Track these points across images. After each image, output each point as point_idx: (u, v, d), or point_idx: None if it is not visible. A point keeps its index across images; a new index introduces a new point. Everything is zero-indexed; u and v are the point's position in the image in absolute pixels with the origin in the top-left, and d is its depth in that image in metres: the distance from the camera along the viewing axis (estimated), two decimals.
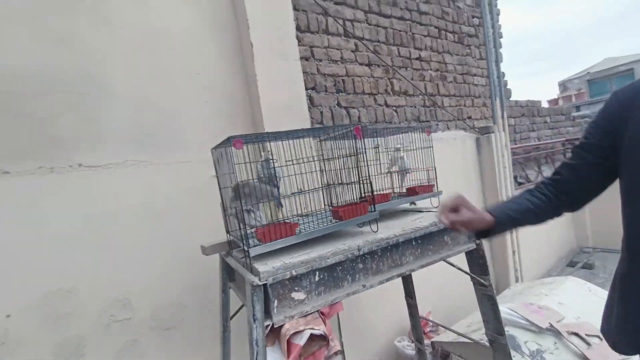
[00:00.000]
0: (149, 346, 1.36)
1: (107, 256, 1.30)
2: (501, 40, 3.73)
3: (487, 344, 1.38)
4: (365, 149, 1.00)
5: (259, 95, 1.59)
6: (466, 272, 1.26)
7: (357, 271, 0.95)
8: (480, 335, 1.65)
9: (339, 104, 2.34)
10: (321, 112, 2.22)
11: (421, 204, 1.44)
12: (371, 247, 0.96)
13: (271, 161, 0.93)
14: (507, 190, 2.87)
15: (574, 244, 4.48)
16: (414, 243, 1.08)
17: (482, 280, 1.26)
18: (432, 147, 1.37)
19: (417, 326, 1.74)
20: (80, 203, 1.27)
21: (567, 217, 4.39)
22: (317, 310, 0.97)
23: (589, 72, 12.99)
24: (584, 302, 1.91)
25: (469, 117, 3.34)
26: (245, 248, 0.81)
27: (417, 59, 2.88)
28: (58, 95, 1.27)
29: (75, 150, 1.29)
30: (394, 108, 2.65)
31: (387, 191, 1.35)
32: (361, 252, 0.94)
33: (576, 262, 3.98)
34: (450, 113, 3.05)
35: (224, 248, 1.10)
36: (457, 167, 2.90)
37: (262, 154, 0.98)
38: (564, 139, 4.66)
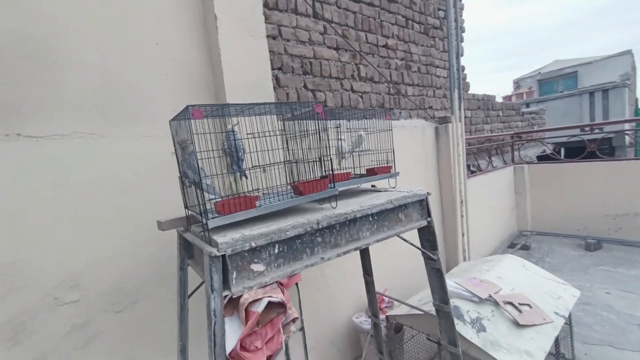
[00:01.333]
0: (102, 327, 1.31)
1: (53, 233, 1.22)
2: (463, 34, 3.92)
3: (434, 313, 1.52)
4: (327, 128, 1.03)
5: (223, 72, 1.55)
6: (417, 247, 1.36)
7: (316, 244, 0.99)
8: (429, 307, 1.80)
9: (305, 86, 2.33)
10: (287, 94, 2.21)
11: (380, 185, 1.51)
12: (330, 221, 1.00)
13: (235, 133, 0.93)
14: (460, 176, 3.08)
15: (515, 228, 4.95)
16: (370, 219, 1.14)
17: (431, 255, 1.37)
18: (392, 130, 1.44)
19: (374, 302, 1.85)
20: (15, 177, 1.17)
21: (511, 204, 4.83)
22: (276, 281, 1.00)
23: (540, 72, 14.10)
24: (519, 276, 2.15)
25: (430, 107, 3.51)
26: (204, 220, 0.81)
27: (384, 46, 2.94)
28: (9, 59, 1.14)
29: (16, 118, 1.17)
30: (360, 94, 2.70)
31: (348, 171, 1.40)
32: (320, 226, 0.98)
33: (516, 244, 4.41)
34: (413, 102, 3.17)
35: (182, 224, 1.08)
36: (417, 154, 3.05)
37: (228, 125, 0.97)
38: (512, 132, 5.06)
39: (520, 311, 1.78)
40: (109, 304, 1.34)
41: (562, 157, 4.80)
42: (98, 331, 1.31)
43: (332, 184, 1.05)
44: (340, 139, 1.34)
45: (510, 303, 1.82)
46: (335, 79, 2.52)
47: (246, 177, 1.01)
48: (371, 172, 1.40)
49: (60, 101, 1.26)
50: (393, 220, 1.22)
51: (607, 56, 12.48)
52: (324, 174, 1.15)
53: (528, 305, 1.84)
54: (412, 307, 1.84)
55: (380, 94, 2.87)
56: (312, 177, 1.13)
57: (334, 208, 1.07)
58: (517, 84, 13.77)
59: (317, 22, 2.39)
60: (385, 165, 1.43)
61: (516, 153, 5.02)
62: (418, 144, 3.08)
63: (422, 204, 1.33)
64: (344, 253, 1.04)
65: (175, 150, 0.97)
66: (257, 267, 0.86)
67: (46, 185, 1.22)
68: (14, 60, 1.17)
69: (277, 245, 0.90)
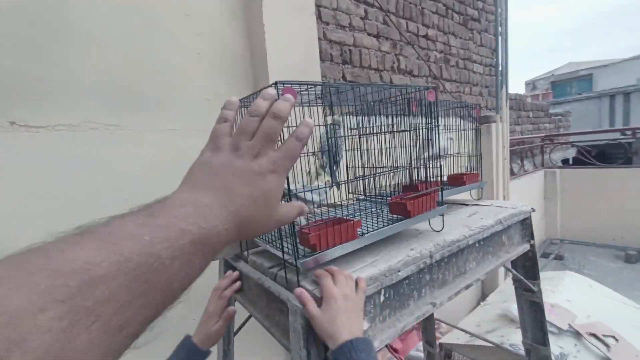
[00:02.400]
0: None
1: None
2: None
3: (517, 351, 1.24)
4: (436, 122, 0.75)
5: (266, 53, 1.26)
6: (516, 275, 1.08)
7: (423, 284, 0.71)
8: (498, 338, 1.52)
9: (344, 77, 2.05)
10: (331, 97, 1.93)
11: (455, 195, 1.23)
12: (443, 252, 0.72)
13: (338, 128, 0.65)
14: (503, 182, 2.80)
15: (543, 236, 4.67)
16: (477, 245, 0.86)
17: (530, 285, 1.09)
18: (480, 128, 1.16)
19: (430, 327, 1.57)
20: (6, 180, 0.89)
21: (540, 210, 4.54)
22: (386, 345, 0.72)
23: (553, 74, 13.74)
24: (589, 299, 1.87)
25: (466, 106, 3.22)
26: (293, 262, 0.53)
27: (424, 36, 2.65)
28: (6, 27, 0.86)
29: (10, 101, 0.89)
30: None
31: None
32: (433, 261, 0.70)
33: (548, 254, 4.13)
34: (454, 99, 2.88)
35: (234, 249, 0.80)
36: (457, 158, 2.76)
37: (332, 116, 0.70)
38: (543, 134, 4.77)
39: (607, 345, 1.50)
40: None
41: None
42: None
43: (441, 199, 0.76)
44: (450, 138, 1.06)
45: (594, 335, 1.54)
46: (374, 71, 2.24)
47: (338, 189, 0.73)
48: (455, 180, 1.12)
49: (69, 83, 0.98)
50: (497, 246, 0.94)
51: (624, 59, 12.14)
52: (412, 182, 0.87)
53: (613, 337, 1.56)
54: (477, 336, 1.56)
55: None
56: (389, 184, 0.85)
57: (438, 231, 0.79)
58: (533, 84, 13.45)
59: (359, 5, 2.10)
60: (471, 172, 1.15)
61: (545, 156, 4.73)
62: (455, 145, 2.79)
63: (525, 223, 1.05)
64: (455, 294, 0.76)
65: None
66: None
67: (44, 189, 0.94)
68: (14, 28, 0.89)
69: (382, 292, 0.62)
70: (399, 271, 0.62)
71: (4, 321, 0.15)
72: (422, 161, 0.83)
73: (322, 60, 1.90)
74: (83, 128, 1.01)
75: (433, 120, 0.72)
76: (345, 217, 0.63)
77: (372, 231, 0.64)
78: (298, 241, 0.59)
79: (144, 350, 0.81)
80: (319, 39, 1.88)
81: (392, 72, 2.38)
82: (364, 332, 0.58)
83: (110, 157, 1.04)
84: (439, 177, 0.78)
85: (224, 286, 0.74)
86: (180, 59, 1.18)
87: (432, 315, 1.55)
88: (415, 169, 0.86)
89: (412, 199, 0.69)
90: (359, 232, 0.62)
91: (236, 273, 0.76)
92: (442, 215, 0.78)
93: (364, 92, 0.72)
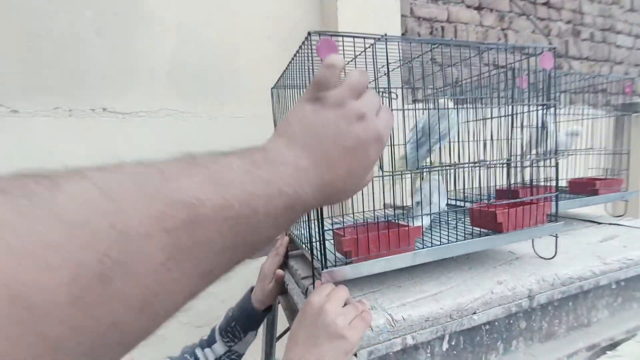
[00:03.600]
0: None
1: None
2: None
3: None
4: (554, 102, 0.51)
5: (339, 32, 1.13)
6: None
7: (514, 334, 0.49)
8: None
9: (432, 59, 1.77)
10: (409, 69, 1.70)
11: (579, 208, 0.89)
12: (552, 293, 0.48)
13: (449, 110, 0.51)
14: None
15: None
16: (613, 287, 0.58)
17: None
18: (627, 115, 0.80)
19: None
20: (100, 160, 0.99)
21: None
22: None
23: None
24: None
25: (604, 90, 2.48)
26: (316, 261, 0.40)
27: (544, 4, 2.11)
28: (85, 14, 0.97)
29: (100, 89, 0.99)
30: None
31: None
32: (535, 304, 0.47)
33: None
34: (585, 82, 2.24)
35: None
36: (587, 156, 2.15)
37: (440, 99, 0.56)
38: None
39: None
40: (189, 316, 1.11)
41: None
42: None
43: (556, 212, 0.52)
44: (572, 132, 0.79)
45: None
46: None
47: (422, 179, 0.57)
48: (581, 188, 0.80)
49: (148, 72, 1.04)
50: None
51: None
52: (509, 185, 0.63)
53: None
54: None
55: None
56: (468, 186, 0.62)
57: (546, 259, 0.55)
58: None
59: None
60: (610, 177, 0.81)
61: None
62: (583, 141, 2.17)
63: None
64: (567, 357, 0.51)
65: None
66: None
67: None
68: (103, 20, 0.98)
69: (447, 338, 0.44)
70: (474, 314, 0.43)
71: (114, 237, 0.14)
72: (529, 157, 0.59)
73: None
74: (161, 114, 1.07)
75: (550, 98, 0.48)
76: (398, 222, 0.46)
77: (440, 244, 0.45)
78: (334, 247, 0.45)
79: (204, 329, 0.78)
80: (405, 16, 1.66)
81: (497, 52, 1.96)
82: None
83: (184, 140, 1.09)
84: (555, 181, 0.53)
85: (278, 245, 0.71)
86: (251, 43, 1.15)
87: None
88: (516, 167, 0.62)
89: (506, 207, 0.48)
90: (418, 244, 0.44)
91: (287, 238, 0.71)
92: (556, 237, 0.53)
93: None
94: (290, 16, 1.20)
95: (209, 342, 0.62)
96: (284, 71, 0.57)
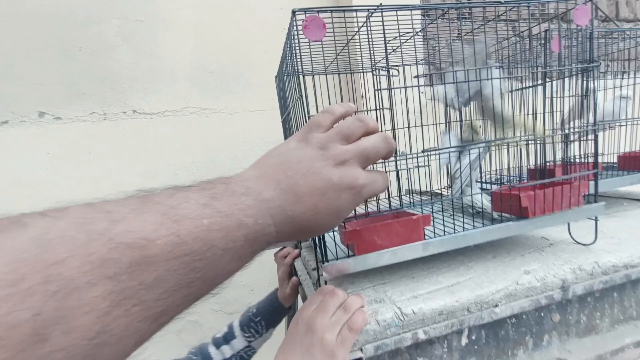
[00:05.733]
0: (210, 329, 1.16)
1: None
2: None
3: None
4: (596, 63, 0.44)
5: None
6: None
7: (547, 328, 0.45)
8: None
9: (459, 35, 1.64)
10: (433, 47, 1.59)
11: (632, 187, 0.78)
12: (592, 283, 0.43)
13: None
14: None
15: None
16: None
17: None
18: None
19: None
20: (134, 158, 1.06)
21: None
22: None
23: None
24: None
25: None
26: (320, 260, 0.39)
27: None
28: (112, 22, 1.02)
29: (129, 92, 1.05)
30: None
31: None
32: (570, 295, 0.42)
33: None
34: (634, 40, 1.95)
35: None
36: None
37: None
38: None
39: None
40: (220, 303, 1.17)
41: None
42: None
43: (595, 192, 0.46)
44: (623, 96, 0.70)
45: None
46: (504, 23, 1.70)
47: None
48: (633, 163, 0.70)
49: (171, 73, 1.08)
50: None
51: None
52: (542, 164, 0.57)
53: None
54: None
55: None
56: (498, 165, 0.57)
57: (585, 245, 0.49)
58: None
59: None
60: None
61: None
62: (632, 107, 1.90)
63: None
64: (612, 355, 0.46)
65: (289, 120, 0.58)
66: None
67: (156, 165, 1.08)
68: (127, 27, 1.03)
69: (466, 332, 0.41)
70: (496, 306, 0.39)
71: (52, 291, 0.14)
72: (565, 131, 0.52)
73: (430, 18, 1.56)
74: (184, 113, 1.11)
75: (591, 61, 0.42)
76: (407, 210, 0.43)
77: (454, 233, 0.42)
78: (342, 240, 0.44)
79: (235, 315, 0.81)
80: None
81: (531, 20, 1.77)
82: None
83: (207, 135, 1.13)
84: (595, 156, 0.47)
85: (282, 254, 0.73)
86: (266, 37, 1.15)
87: None
88: (552, 144, 0.56)
89: (532, 189, 0.43)
90: (429, 232, 0.42)
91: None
92: (596, 220, 0.47)
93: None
94: (304, 6, 1.17)
95: (226, 339, 0.63)
96: (281, 58, 0.56)
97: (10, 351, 0.12)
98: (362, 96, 0.92)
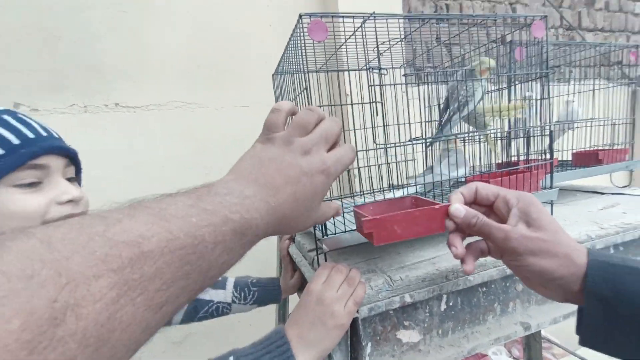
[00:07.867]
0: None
1: None
2: None
3: None
4: (547, 70, 0.52)
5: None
6: None
7: (511, 297, 0.52)
8: None
9: (437, 38, 1.75)
10: (414, 50, 1.68)
11: (584, 181, 0.89)
12: None
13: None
14: None
15: None
16: (611, 251, 0.59)
17: None
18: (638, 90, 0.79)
19: (535, 350, 1.26)
20: (115, 153, 1.04)
21: None
22: None
23: None
24: None
25: (619, 62, 2.39)
26: (320, 235, 0.43)
27: None
28: (96, 12, 1.00)
29: (112, 85, 1.04)
30: None
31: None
32: None
33: None
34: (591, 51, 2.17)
35: None
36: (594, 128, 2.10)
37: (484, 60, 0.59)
38: None
39: None
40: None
41: None
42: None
43: (551, 182, 0.54)
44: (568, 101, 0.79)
45: None
46: (479, 27, 1.83)
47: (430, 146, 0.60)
48: (586, 159, 0.80)
49: (156, 66, 1.08)
50: None
51: None
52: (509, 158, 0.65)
53: None
54: None
55: None
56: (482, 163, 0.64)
57: None
58: None
59: None
60: (612, 148, 0.81)
61: None
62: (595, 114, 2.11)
63: None
64: (565, 317, 0.54)
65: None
66: (409, 335, 0.45)
67: (141, 159, 1.07)
68: (114, 15, 1.02)
69: (445, 298, 0.47)
70: (471, 275, 0.46)
71: (63, 283, 0.15)
72: (527, 131, 0.60)
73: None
74: (169, 107, 1.11)
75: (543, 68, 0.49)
76: (421, 196, 0.47)
77: None
78: (360, 229, 0.48)
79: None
80: None
81: (504, 26, 1.92)
82: (412, 346, 0.45)
83: (191, 131, 1.13)
84: (549, 152, 0.55)
85: (284, 246, 0.73)
86: (253, 32, 1.17)
87: (538, 333, 1.24)
88: (514, 139, 0.64)
89: (499, 176, 0.50)
90: None
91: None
92: (551, 203, 0.55)
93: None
94: (291, 3, 1.21)
95: (214, 285, 0.63)
96: (282, 57, 0.60)
97: (31, 333, 0.14)
98: (347, 94, 0.98)
